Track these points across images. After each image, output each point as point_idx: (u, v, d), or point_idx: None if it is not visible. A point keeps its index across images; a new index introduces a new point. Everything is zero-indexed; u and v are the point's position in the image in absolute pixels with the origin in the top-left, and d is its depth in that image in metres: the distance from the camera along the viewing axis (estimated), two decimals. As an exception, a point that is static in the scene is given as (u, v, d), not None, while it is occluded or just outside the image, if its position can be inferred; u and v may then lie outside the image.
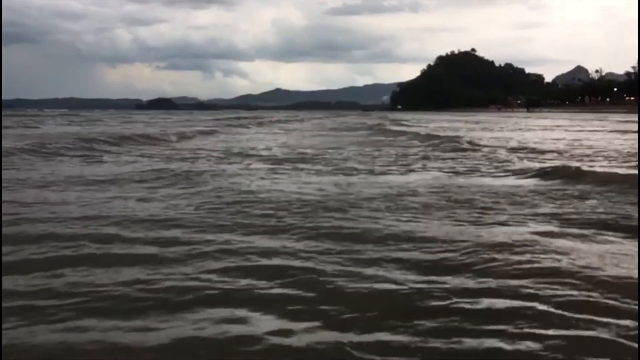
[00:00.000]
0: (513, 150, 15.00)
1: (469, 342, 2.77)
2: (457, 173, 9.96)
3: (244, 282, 3.69)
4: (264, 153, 14.80)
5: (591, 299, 3.32)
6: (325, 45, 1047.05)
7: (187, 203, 6.71)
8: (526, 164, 11.40)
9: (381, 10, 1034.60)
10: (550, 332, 2.84)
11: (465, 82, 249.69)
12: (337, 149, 16.47)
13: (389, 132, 28.43)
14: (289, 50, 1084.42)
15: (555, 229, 5.17)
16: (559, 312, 3.10)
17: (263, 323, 3.01)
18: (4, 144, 17.96)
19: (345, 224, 5.39)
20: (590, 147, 16.35)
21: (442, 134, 23.96)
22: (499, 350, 2.69)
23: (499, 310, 3.17)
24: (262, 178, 9.18)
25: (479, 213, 5.98)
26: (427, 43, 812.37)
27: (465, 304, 3.25)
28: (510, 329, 2.90)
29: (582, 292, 3.43)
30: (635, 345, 2.70)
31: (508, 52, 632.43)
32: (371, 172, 10.27)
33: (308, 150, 15.86)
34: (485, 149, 14.78)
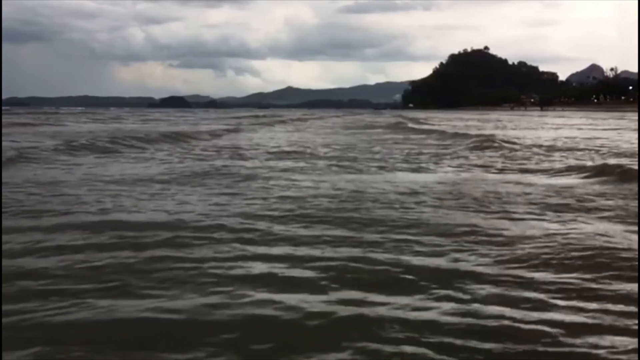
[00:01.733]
0: (551, 148, 15.23)
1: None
2: (510, 172, 10.18)
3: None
4: (309, 152, 15.05)
5: None
6: (337, 43, 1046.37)
7: (268, 200, 7.05)
8: (572, 162, 11.71)
9: (393, 8, 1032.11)
10: None
11: (478, 80, 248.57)
12: (374, 147, 16.84)
13: (415, 131, 28.60)
14: (301, 49, 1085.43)
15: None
16: None
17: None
18: (38, 141, 18.49)
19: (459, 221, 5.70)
20: (622, 146, 16.53)
21: (470, 132, 24.17)
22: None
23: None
24: (328, 173, 9.61)
25: (572, 212, 6.17)
26: (440, 41, 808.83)
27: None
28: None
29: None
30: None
31: (521, 50, 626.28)
32: (424, 169, 10.60)
33: (348, 149, 16.23)
34: (524, 148, 15.02)
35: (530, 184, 8.38)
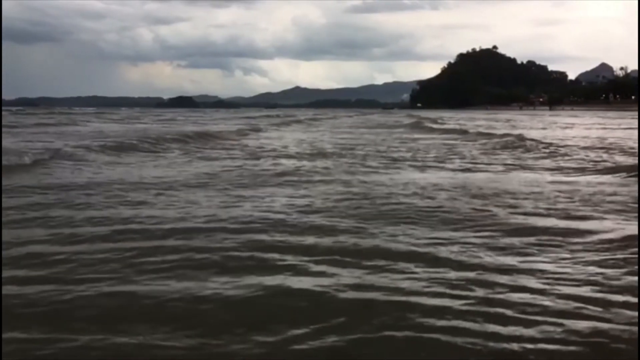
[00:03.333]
0: (585, 148, 15.48)
1: None
2: (563, 172, 10.28)
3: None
4: (346, 152, 15.33)
5: None
6: (344, 43, 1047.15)
7: (335, 197, 7.43)
8: (610, 160, 12.02)
9: (401, 7, 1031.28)
10: None
11: (487, 79, 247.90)
12: (411, 145, 17.20)
13: (436, 131, 28.86)
14: (309, 49, 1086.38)
15: None
16: None
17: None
18: (78, 141, 18.94)
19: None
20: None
21: (494, 132, 24.44)
22: None
23: None
24: (379, 173, 9.99)
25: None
26: (448, 40, 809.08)
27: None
28: None
29: None
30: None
31: (530, 49, 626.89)
32: (470, 170, 10.72)
33: (381, 148, 16.56)
34: (558, 147, 15.22)
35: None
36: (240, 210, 6.31)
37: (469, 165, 11.57)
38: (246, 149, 16.07)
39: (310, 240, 4.90)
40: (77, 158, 12.46)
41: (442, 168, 11.15)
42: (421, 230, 5.32)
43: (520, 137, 18.48)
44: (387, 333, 2.97)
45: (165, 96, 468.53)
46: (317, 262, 4.21)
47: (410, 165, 11.56)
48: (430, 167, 11.34)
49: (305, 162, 12.01)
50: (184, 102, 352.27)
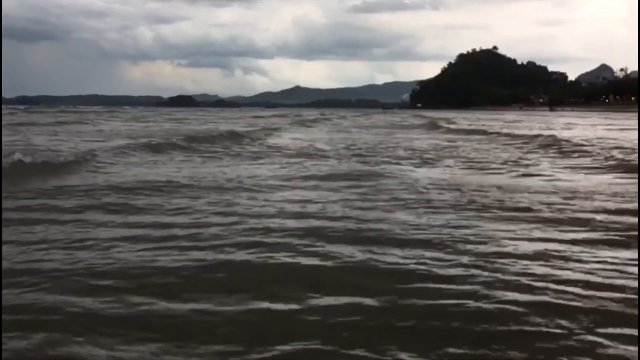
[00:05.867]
0: (616, 149, 15.77)
1: None
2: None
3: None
4: (388, 152, 15.65)
5: None
6: (345, 43, 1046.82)
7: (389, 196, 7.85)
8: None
9: (402, 7, 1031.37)
10: None
11: (487, 80, 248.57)
12: (438, 145, 17.64)
13: (452, 131, 29.18)
14: (309, 48, 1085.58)
15: None
16: None
17: None
18: (106, 140, 19.29)
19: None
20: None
21: (516, 132, 24.90)
22: None
23: None
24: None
25: None
26: (448, 41, 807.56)
27: None
28: None
29: None
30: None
31: (531, 50, 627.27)
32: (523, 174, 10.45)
33: (417, 150, 16.98)
34: (594, 148, 15.48)
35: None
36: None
37: (532, 170, 11.05)
38: (287, 149, 16.32)
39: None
40: (132, 157, 12.82)
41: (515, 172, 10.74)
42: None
43: (555, 139, 18.60)
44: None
45: (166, 95, 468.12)
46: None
47: (476, 168, 11.47)
48: (508, 171, 10.93)
49: (359, 165, 12.39)
50: (184, 101, 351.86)
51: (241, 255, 4.50)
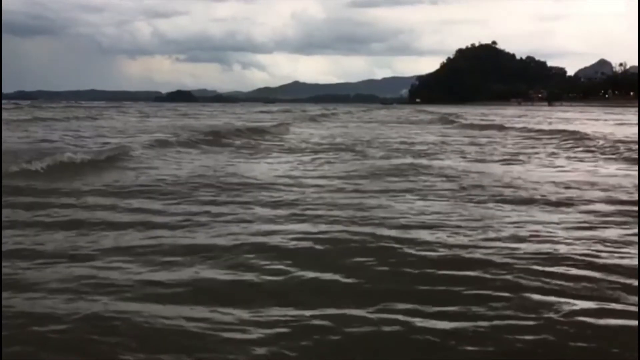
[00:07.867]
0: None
1: None
2: None
3: None
4: (420, 147, 15.92)
5: None
6: (344, 38, 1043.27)
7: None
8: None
9: (401, 2, 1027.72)
10: None
11: (486, 75, 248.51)
12: (464, 140, 17.83)
13: (466, 126, 29.40)
14: (308, 43, 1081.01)
15: None
16: None
17: None
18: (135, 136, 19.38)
19: None
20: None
21: (532, 127, 25.10)
22: None
23: None
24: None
25: None
26: (447, 36, 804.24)
27: None
28: None
29: None
30: None
31: (530, 45, 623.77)
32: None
33: (445, 146, 17.17)
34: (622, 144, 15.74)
35: None
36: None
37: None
38: (317, 144, 16.49)
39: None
40: (185, 152, 13.07)
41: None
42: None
43: (583, 135, 18.75)
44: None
45: (164, 90, 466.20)
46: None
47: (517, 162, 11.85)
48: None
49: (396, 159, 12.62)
50: (182, 97, 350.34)
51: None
